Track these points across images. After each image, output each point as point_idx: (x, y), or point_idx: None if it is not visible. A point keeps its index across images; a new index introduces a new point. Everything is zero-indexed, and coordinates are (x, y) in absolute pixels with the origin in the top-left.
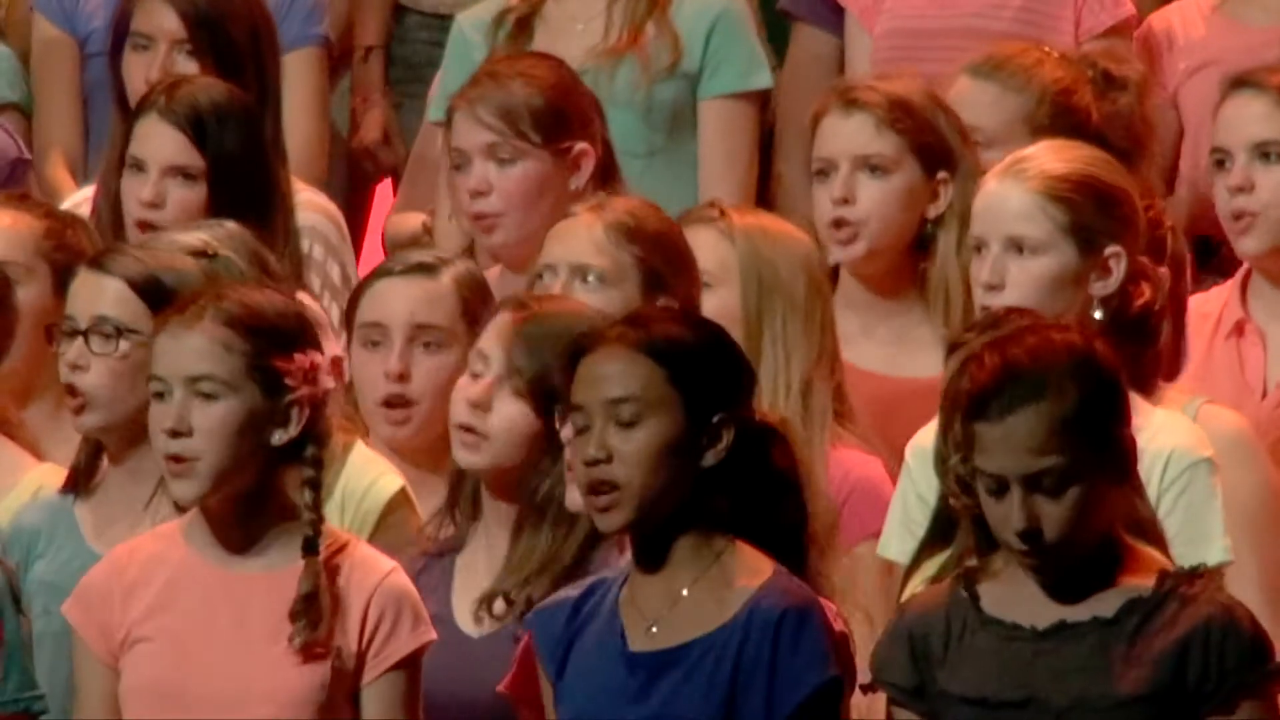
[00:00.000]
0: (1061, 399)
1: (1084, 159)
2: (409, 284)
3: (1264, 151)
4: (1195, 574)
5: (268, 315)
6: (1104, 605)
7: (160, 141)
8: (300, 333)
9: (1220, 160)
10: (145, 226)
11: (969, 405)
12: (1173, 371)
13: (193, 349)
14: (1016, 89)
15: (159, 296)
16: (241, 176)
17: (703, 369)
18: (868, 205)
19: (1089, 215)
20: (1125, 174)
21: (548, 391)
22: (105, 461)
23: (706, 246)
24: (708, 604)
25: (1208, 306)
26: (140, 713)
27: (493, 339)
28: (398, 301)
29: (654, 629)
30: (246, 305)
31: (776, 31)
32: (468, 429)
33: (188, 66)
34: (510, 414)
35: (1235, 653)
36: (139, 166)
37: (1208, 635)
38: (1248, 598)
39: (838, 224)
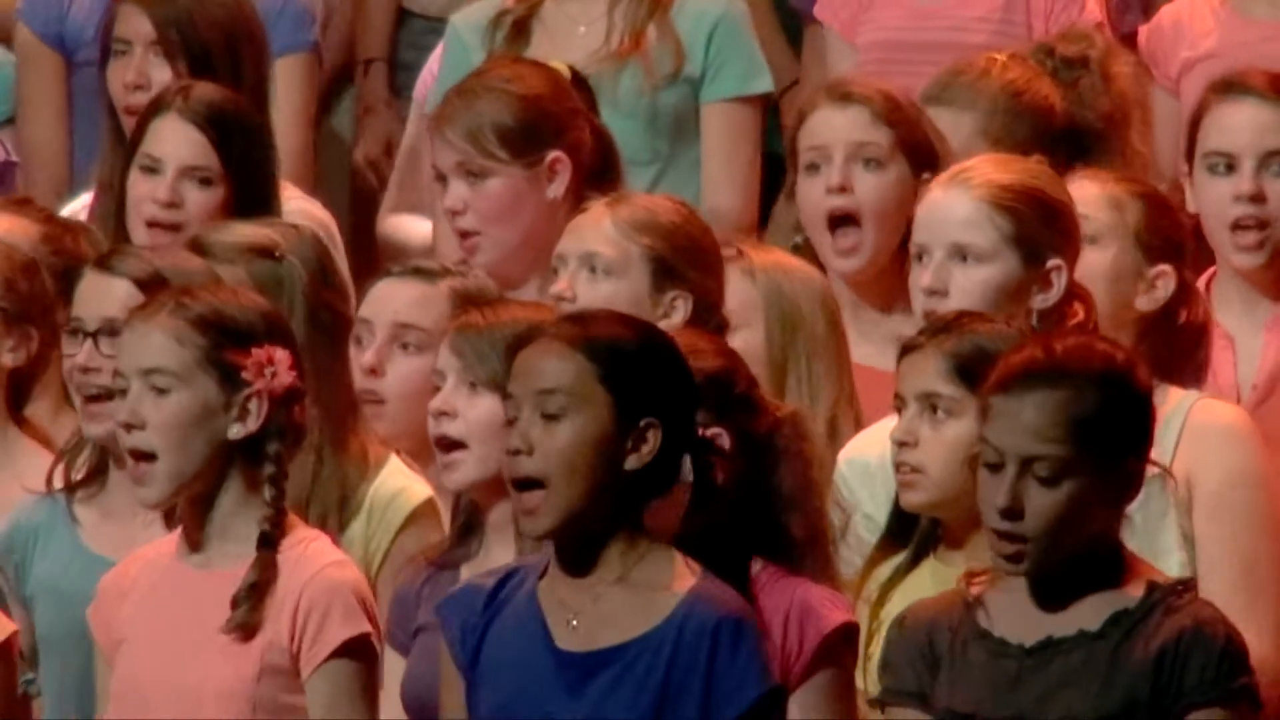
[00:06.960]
0: (1080, 397)
1: (1027, 171)
2: (402, 284)
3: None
4: (1184, 586)
5: (224, 309)
6: (1091, 618)
7: (178, 141)
8: (261, 328)
9: (1215, 165)
10: (158, 226)
11: (994, 380)
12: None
13: (147, 342)
14: (967, 106)
15: None
16: (257, 181)
17: (637, 371)
18: (864, 195)
19: (1033, 226)
20: (1065, 187)
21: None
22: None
23: (728, 286)
24: (632, 604)
25: None
26: (117, 710)
27: (443, 351)
28: (386, 300)
29: (575, 623)
30: (203, 300)
31: (796, 33)
32: (442, 442)
33: (160, 69)
34: (479, 413)
35: (1199, 667)
36: (153, 167)
37: (1177, 649)
38: (1214, 585)
39: (836, 221)
